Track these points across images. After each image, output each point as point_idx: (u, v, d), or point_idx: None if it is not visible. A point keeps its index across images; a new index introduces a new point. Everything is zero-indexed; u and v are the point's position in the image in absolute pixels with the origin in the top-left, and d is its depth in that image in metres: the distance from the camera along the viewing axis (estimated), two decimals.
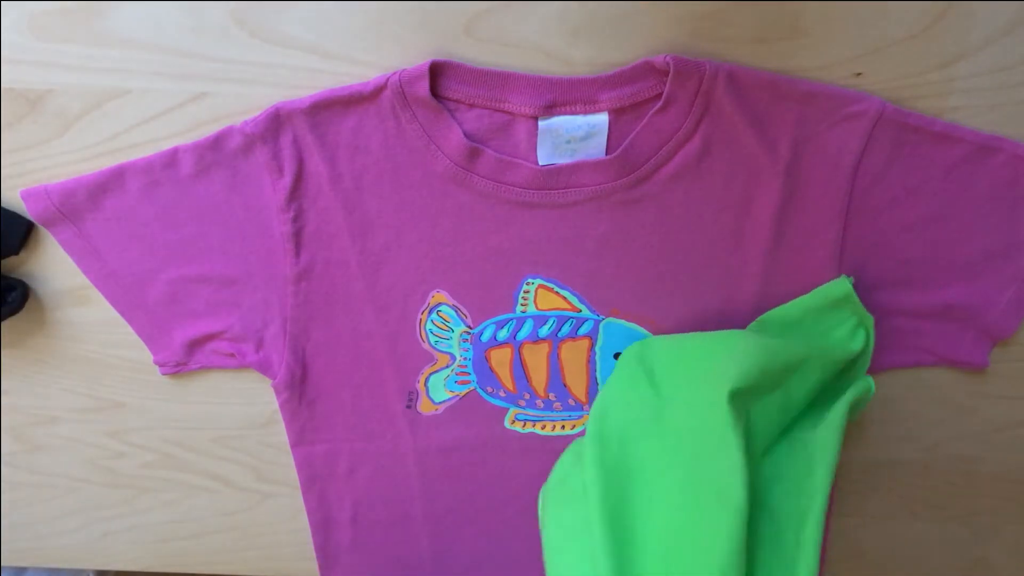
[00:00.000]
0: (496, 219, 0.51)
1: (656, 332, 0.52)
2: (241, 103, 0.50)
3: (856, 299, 0.48)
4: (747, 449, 0.41)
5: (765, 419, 0.44)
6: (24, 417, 0.58)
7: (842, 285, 0.49)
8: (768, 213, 0.49)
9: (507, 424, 0.55)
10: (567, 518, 0.45)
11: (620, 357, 0.50)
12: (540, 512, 0.50)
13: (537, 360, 0.53)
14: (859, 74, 0.48)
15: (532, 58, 0.49)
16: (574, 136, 0.49)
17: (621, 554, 0.40)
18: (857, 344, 0.49)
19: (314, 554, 0.58)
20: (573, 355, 0.53)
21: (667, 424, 0.44)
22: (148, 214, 0.51)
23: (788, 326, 0.50)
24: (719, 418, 0.41)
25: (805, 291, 0.50)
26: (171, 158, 0.50)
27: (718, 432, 0.41)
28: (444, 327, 0.53)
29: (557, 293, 0.52)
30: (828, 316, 0.50)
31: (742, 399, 0.42)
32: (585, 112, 0.49)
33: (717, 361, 0.44)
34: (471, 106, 0.49)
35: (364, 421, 0.55)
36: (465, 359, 0.53)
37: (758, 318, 0.51)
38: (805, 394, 0.47)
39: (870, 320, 0.49)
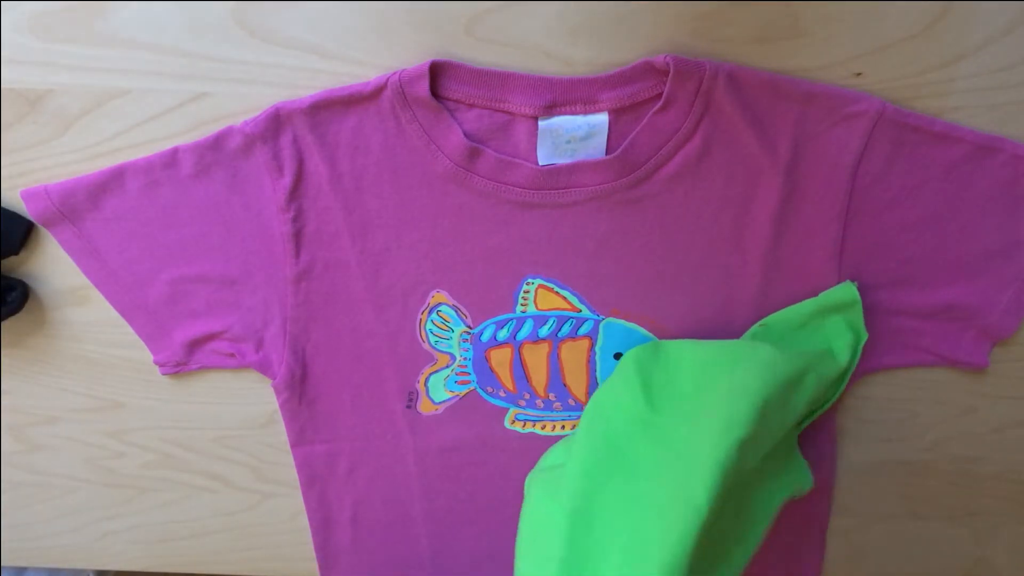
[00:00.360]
0: (496, 219, 0.51)
1: (656, 332, 0.52)
2: (241, 103, 0.50)
3: (859, 308, 0.49)
4: (730, 475, 0.40)
5: (769, 431, 0.44)
6: (24, 417, 0.58)
7: (848, 291, 0.49)
8: (768, 213, 0.49)
9: (507, 424, 0.55)
10: (545, 505, 0.46)
11: (621, 359, 0.49)
12: (525, 494, 0.50)
13: (537, 360, 0.53)
14: (859, 74, 0.48)
15: (532, 58, 0.49)
16: (574, 136, 0.49)
17: (578, 548, 0.41)
18: (846, 359, 0.49)
19: (314, 554, 0.58)
20: (573, 355, 0.53)
21: (654, 431, 0.44)
22: (148, 214, 0.51)
23: (790, 331, 0.50)
24: (715, 450, 0.40)
25: (805, 291, 0.50)
26: (171, 158, 0.50)
27: (710, 456, 0.40)
28: (444, 327, 0.53)
29: (557, 293, 0.52)
30: (829, 324, 0.50)
31: (751, 424, 0.41)
32: (585, 112, 0.49)
33: (707, 368, 0.44)
34: (471, 106, 0.49)
35: (364, 421, 0.55)
36: (465, 359, 0.53)
37: (760, 321, 0.51)
38: (803, 406, 0.46)
39: (864, 336, 0.49)
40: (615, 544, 0.40)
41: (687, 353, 0.47)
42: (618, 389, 0.47)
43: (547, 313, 0.52)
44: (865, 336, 0.49)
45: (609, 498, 0.42)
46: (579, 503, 0.42)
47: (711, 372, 0.45)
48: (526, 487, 0.51)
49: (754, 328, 0.51)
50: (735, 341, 0.49)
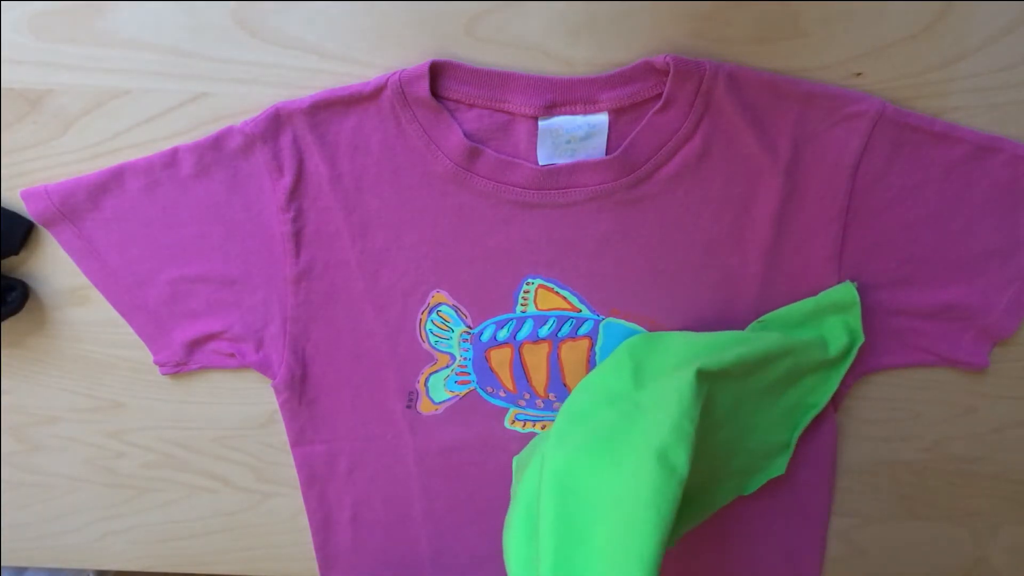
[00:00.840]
0: (496, 219, 0.51)
1: (656, 331, 0.52)
2: (241, 103, 0.50)
3: (858, 310, 0.49)
4: (697, 420, 0.41)
5: (726, 398, 0.46)
6: (24, 417, 0.58)
7: (848, 291, 0.49)
8: (768, 213, 0.49)
9: (507, 424, 0.55)
10: (532, 481, 0.47)
11: (618, 346, 0.50)
12: (514, 477, 0.51)
13: (537, 360, 0.53)
14: (859, 74, 0.48)
15: (532, 58, 0.49)
16: (574, 136, 0.49)
17: (565, 525, 0.41)
18: (836, 354, 0.49)
19: (314, 554, 0.58)
20: (573, 355, 0.53)
21: (634, 402, 0.45)
22: (148, 214, 0.51)
23: (788, 329, 0.50)
24: (679, 392, 0.42)
25: (805, 291, 0.50)
26: (171, 158, 0.50)
27: (676, 404, 0.41)
28: (444, 327, 0.53)
29: (557, 293, 0.52)
30: (827, 324, 0.50)
31: (711, 379, 0.43)
32: (585, 112, 0.49)
33: (700, 351, 0.45)
34: (471, 106, 0.49)
35: (364, 421, 0.55)
36: (465, 359, 0.53)
37: (760, 318, 0.51)
38: (765, 385, 0.48)
39: (860, 340, 0.49)
40: (600, 511, 0.41)
41: (680, 340, 0.49)
42: (607, 369, 0.49)
43: (547, 313, 0.52)
44: (861, 339, 0.49)
45: (587, 473, 0.43)
46: (562, 472, 0.43)
47: (694, 352, 0.46)
48: (516, 466, 0.52)
49: (752, 325, 0.51)
50: (730, 332, 0.49)
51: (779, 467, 0.51)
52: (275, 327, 0.53)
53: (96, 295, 0.53)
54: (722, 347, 0.46)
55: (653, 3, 0.47)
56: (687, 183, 0.49)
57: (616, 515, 0.40)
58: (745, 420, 0.48)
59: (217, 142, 0.50)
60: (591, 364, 0.53)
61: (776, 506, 0.54)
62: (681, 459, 0.39)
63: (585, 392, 0.49)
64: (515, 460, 0.52)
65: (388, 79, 0.48)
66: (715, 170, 0.49)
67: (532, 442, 0.52)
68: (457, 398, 0.54)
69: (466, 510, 0.56)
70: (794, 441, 0.51)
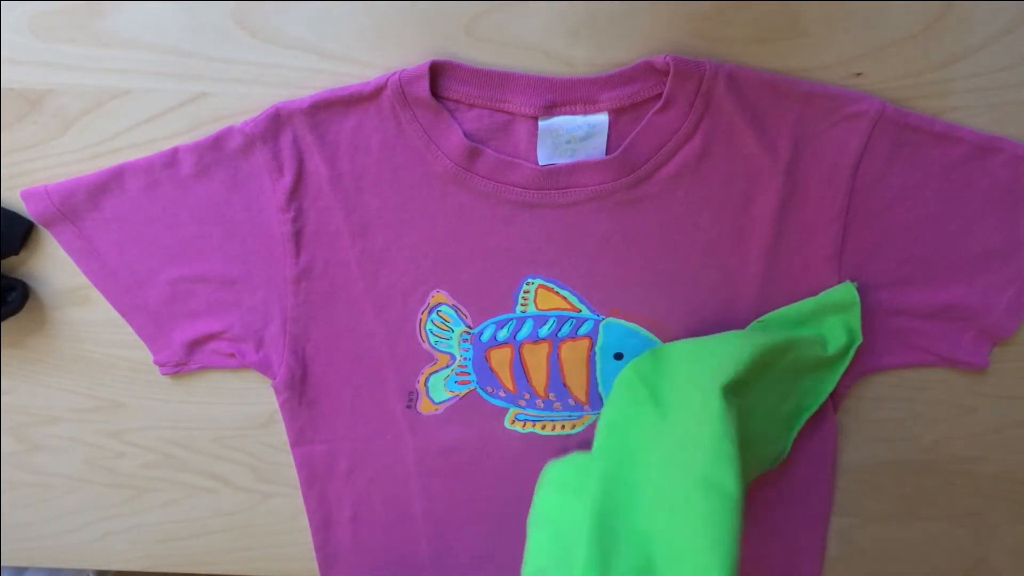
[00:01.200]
0: (496, 219, 0.51)
1: (656, 331, 0.52)
2: (241, 103, 0.50)
3: (858, 310, 0.49)
4: (736, 439, 0.41)
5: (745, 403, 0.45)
6: (24, 417, 0.58)
7: (848, 291, 0.49)
8: (768, 213, 0.49)
9: (507, 424, 0.55)
10: (555, 501, 0.47)
11: (620, 373, 0.49)
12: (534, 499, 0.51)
13: (537, 360, 0.53)
14: (859, 74, 0.48)
15: (532, 58, 0.49)
16: (574, 136, 0.49)
17: (604, 551, 0.41)
18: (834, 352, 0.49)
19: (314, 554, 0.58)
20: (573, 355, 0.53)
21: (666, 433, 0.44)
22: (148, 214, 0.51)
23: (788, 329, 0.50)
24: (711, 414, 0.41)
25: (805, 291, 0.50)
26: (171, 158, 0.50)
27: (710, 427, 0.41)
28: (444, 327, 0.53)
29: (557, 293, 0.52)
30: (827, 324, 0.50)
31: (733, 392, 0.43)
32: (585, 112, 0.49)
33: (710, 363, 0.45)
34: (471, 106, 0.49)
35: (364, 421, 0.55)
36: (465, 359, 0.53)
37: (760, 318, 0.51)
38: (766, 383, 0.48)
39: (859, 340, 0.49)
40: (647, 545, 0.41)
41: (679, 350, 0.48)
42: (626, 404, 0.48)
43: (547, 313, 0.52)
44: (859, 340, 0.49)
45: (632, 508, 0.42)
46: (604, 507, 0.42)
47: (699, 361, 0.46)
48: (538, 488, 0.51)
49: (752, 325, 0.51)
50: (725, 332, 0.49)
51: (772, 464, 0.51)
52: (275, 327, 0.53)
53: (96, 295, 0.53)
54: (725, 352, 0.45)
55: (653, 3, 0.47)
56: (687, 183, 0.49)
57: (673, 555, 0.40)
58: (747, 427, 0.48)
59: (217, 142, 0.50)
60: (591, 364, 0.53)
61: (777, 505, 0.54)
62: (729, 479, 0.39)
63: (612, 431, 0.47)
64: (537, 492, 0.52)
65: (388, 79, 0.48)
66: (715, 170, 0.49)
67: (550, 470, 0.52)
68: (457, 398, 0.54)
69: (466, 510, 0.56)
70: (789, 444, 0.50)
